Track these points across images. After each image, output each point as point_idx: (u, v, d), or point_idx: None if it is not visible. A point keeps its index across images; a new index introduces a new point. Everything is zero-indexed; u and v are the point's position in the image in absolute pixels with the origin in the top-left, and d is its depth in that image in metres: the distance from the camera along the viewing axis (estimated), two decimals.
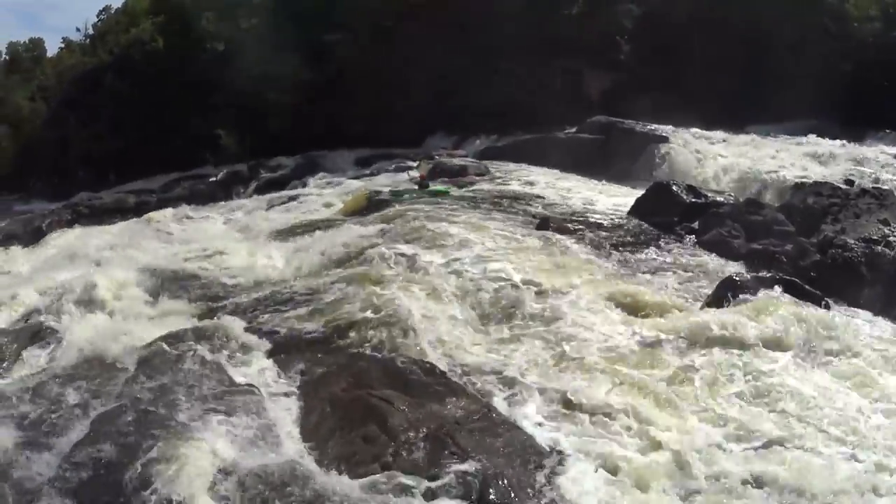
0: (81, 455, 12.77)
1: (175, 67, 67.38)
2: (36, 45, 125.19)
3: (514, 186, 34.78)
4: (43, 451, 13.41)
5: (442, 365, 15.14)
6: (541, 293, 18.55)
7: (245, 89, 61.27)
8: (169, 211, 44.02)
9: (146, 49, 71.42)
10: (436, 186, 32.73)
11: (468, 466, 10.76)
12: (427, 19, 53.84)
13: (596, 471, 11.20)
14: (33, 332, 21.13)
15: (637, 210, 27.79)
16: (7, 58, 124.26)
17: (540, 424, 12.65)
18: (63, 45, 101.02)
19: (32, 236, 45.52)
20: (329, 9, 59.56)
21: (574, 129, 43.74)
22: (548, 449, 11.77)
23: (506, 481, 10.59)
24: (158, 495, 11.05)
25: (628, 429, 12.30)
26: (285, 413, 14.17)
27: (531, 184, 35.42)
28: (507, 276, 19.77)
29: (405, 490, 10.44)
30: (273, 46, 61.35)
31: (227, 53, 65.92)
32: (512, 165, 40.27)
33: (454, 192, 32.01)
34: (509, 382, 14.20)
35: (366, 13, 57.64)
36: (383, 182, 40.49)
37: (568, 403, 13.13)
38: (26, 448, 13.52)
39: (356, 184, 41.92)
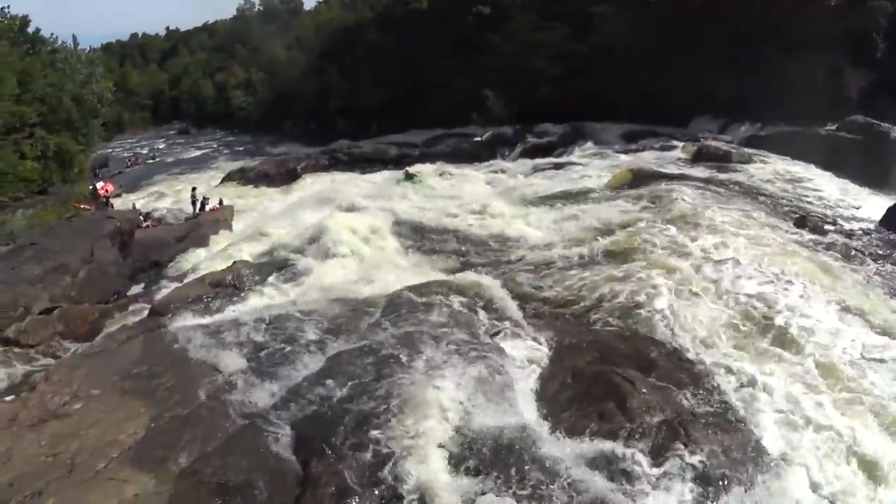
0: (309, 389, 13.57)
1: (439, 27, 71.34)
2: None
3: (775, 178, 34.65)
4: (270, 379, 14.31)
5: (688, 353, 15.24)
6: (792, 295, 18.22)
7: (513, 54, 64.16)
8: (430, 166, 45.78)
9: (409, 8, 76.81)
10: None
11: (695, 460, 11.08)
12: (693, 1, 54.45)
13: (815, 489, 11.34)
14: (277, 267, 22.89)
15: (887, 220, 27.42)
16: (261, 9, 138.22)
17: (772, 430, 12.67)
18: (322, 0, 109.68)
19: (286, 177, 50.01)
20: None
21: (834, 127, 43.39)
22: (775, 456, 11.79)
23: (727, 482, 10.87)
24: (384, 441, 11.55)
25: (853, 452, 12.12)
26: (527, 377, 14.52)
27: (791, 178, 35.10)
28: (760, 271, 19.57)
29: (630, 471, 10.84)
30: (540, 14, 63.82)
31: (494, 17, 69.27)
32: (773, 156, 39.97)
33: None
34: (750, 382, 14.14)
35: None
36: (648, 159, 40.93)
37: (803, 414, 13.10)
38: (253, 374, 14.59)
39: (623, 158, 42.56)
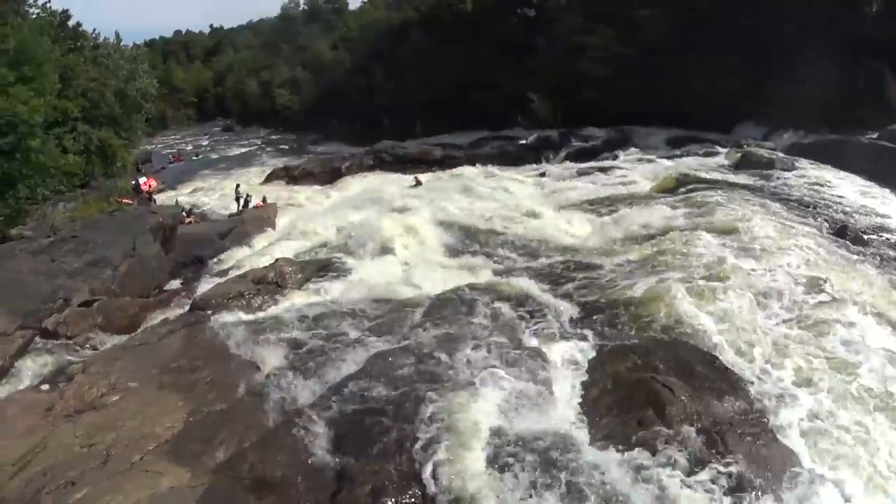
0: (350, 388, 13.58)
1: (484, 29, 71.85)
2: None
3: (816, 187, 34.73)
4: (310, 377, 14.41)
5: (728, 361, 15.09)
6: (830, 302, 18.30)
7: (558, 57, 64.47)
8: (476, 168, 46.72)
9: (454, 10, 77.00)
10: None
11: (729, 470, 11.02)
12: (735, 4, 54.31)
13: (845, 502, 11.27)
14: (321, 266, 23.20)
15: None
16: (306, 8, 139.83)
17: (809, 444, 12.68)
18: (366, 0, 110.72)
19: (331, 176, 50.96)
20: None
21: (875, 135, 43.67)
22: (806, 468, 11.71)
23: (762, 494, 10.79)
24: (424, 440, 11.56)
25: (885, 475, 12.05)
26: (567, 382, 14.46)
27: (832, 187, 35.09)
28: (801, 282, 19.52)
29: (667, 479, 10.77)
30: (584, 17, 64.09)
31: (539, 19, 70.03)
32: (815, 164, 40.03)
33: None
34: (786, 392, 14.11)
35: None
36: (692, 165, 41.23)
37: (841, 431, 13.01)
38: (293, 372, 14.70)
39: (666, 163, 42.89)
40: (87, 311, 20.07)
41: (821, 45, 47.75)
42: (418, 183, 44.25)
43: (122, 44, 47.84)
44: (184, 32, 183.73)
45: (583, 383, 14.42)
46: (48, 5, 39.36)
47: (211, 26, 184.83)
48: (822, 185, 34.68)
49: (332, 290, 21.12)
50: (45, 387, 15.57)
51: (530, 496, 10.60)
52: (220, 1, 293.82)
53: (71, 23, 43.40)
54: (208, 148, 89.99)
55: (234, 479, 11.06)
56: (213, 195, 48.93)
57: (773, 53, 50.07)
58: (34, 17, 36.99)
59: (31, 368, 17.32)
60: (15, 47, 30.12)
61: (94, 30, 45.69)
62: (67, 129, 35.75)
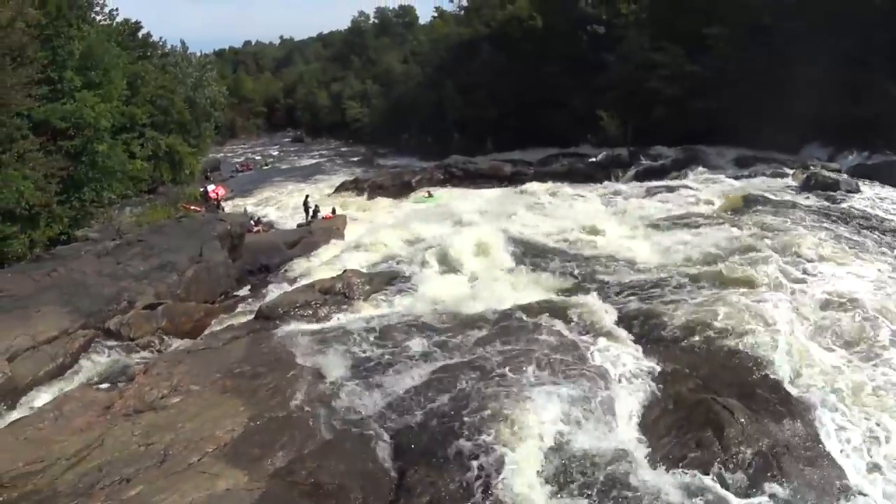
0: (412, 400, 13.82)
1: (554, 46, 72.00)
2: (406, 11, 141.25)
3: (881, 209, 34.40)
4: (373, 388, 14.59)
5: (788, 383, 15.12)
6: None
7: (627, 75, 64.25)
8: (545, 185, 46.41)
9: (524, 26, 76.80)
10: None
11: (783, 494, 11.19)
12: (805, 19, 53.38)
13: None
14: (389, 278, 23.34)
15: None
16: (376, 21, 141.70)
17: (863, 473, 12.55)
18: (436, 15, 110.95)
19: (400, 189, 51.32)
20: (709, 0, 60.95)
21: None
22: (861, 497, 11.74)
23: None
24: (485, 454, 11.70)
25: None
26: (629, 401, 14.53)
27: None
28: (870, 307, 19.11)
29: (720, 500, 10.97)
30: (653, 34, 64.00)
31: (608, 37, 69.78)
32: (879, 186, 39.83)
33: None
34: (846, 418, 13.99)
35: (744, 7, 58.48)
36: (759, 185, 41.00)
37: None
38: (356, 382, 14.92)
39: (735, 183, 42.74)
40: (151, 313, 20.53)
41: (885, 65, 47.94)
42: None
43: (189, 52, 49.20)
44: (253, 43, 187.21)
45: (644, 403, 14.57)
46: (114, 13, 40.62)
47: (281, 37, 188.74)
48: (886, 207, 34.56)
49: (399, 303, 21.33)
50: (105, 385, 16.02)
51: None
52: (290, 13, 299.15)
53: (141, 33, 44.77)
54: (278, 158, 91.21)
55: (291, 484, 11.18)
56: (281, 205, 49.63)
57: (841, 73, 49.15)
58: (101, 24, 38.11)
59: (91, 367, 17.80)
60: (82, 52, 31.09)
61: (161, 38, 47.10)
62: (135, 135, 36.79)
